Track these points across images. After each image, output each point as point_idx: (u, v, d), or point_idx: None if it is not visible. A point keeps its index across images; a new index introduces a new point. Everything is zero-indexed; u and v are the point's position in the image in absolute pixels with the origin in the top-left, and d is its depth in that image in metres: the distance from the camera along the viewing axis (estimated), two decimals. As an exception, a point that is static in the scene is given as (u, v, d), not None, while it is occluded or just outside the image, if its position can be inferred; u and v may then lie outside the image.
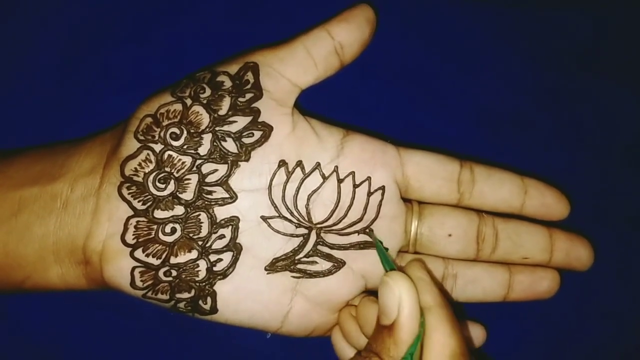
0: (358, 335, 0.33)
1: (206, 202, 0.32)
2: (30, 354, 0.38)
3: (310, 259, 0.33)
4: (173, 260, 0.32)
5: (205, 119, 0.32)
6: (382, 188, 0.34)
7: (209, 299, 0.32)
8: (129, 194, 0.32)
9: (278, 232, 0.33)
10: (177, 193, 0.32)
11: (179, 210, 0.32)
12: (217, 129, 0.32)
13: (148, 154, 0.32)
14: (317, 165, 0.33)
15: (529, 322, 0.39)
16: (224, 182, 0.32)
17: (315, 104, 0.35)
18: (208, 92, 0.33)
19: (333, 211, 0.33)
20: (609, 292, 0.40)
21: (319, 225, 0.33)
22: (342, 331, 0.34)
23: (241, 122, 0.33)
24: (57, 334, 0.38)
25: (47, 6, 0.39)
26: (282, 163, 0.33)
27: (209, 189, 0.32)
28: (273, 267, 0.33)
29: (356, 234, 0.34)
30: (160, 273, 0.32)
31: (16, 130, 0.39)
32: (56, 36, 0.39)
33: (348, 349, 0.34)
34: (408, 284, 0.28)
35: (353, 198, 0.33)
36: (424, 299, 0.28)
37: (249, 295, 0.33)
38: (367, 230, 0.34)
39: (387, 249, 0.33)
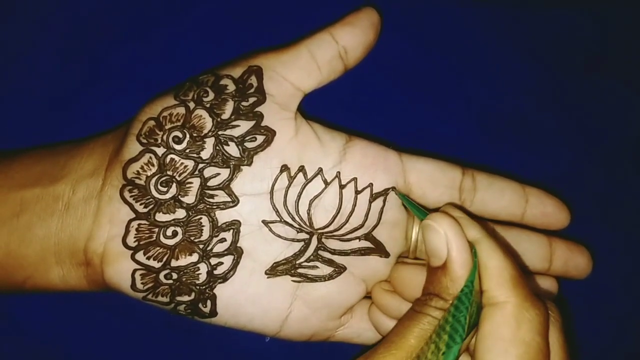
0: (399, 305, 0.33)
1: (208, 206, 0.32)
2: (31, 354, 0.38)
3: (311, 263, 0.33)
4: (174, 263, 0.32)
5: (208, 122, 0.32)
6: (385, 195, 0.34)
7: (209, 302, 0.33)
8: (130, 196, 0.32)
9: (279, 236, 0.33)
10: (179, 196, 0.32)
11: (181, 213, 0.32)
12: (219, 133, 0.32)
13: (150, 157, 0.32)
14: (320, 171, 0.33)
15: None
16: (225, 186, 0.32)
17: (316, 106, 0.35)
18: (211, 95, 0.33)
19: (335, 217, 0.33)
20: (609, 294, 0.40)
21: (320, 231, 0.33)
22: (380, 307, 0.34)
23: (244, 126, 0.33)
24: (57, 334, 0.38)
25: (47, 6, 0.39)
26: (284, 168, 0.33)
27: (211, 192, 0.32)
28: (273, 271, 0.33)
29: (357, 240, 0.34)
30: (161, 276, 0.32)
31: (16, 130, 0.38)
32: (56, 36, 0.39)
33: (391, 322, 0.34)
34: (451, 221, 0.28)
35: (355, 204, 0.34)
36: (470, 234, 0.29)
37: (249, 299, 0.33)
38: (391, 189, 0.34)
39: (417, 205, 0.34)
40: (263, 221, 0.33)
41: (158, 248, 0.32)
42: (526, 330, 0.26)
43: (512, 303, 0.27)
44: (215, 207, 0.32)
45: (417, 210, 0.32)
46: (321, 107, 0.36)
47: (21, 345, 0.38)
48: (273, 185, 0.33)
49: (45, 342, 0.38)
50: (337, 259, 0.34)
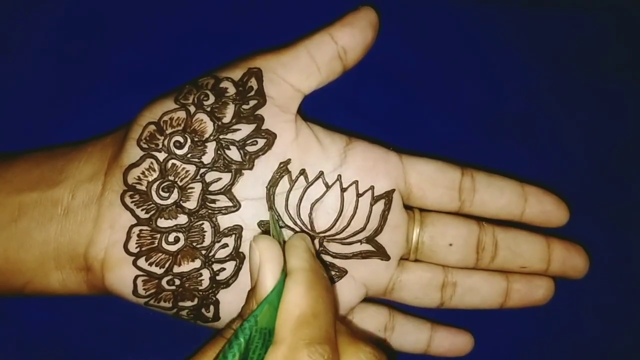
0: None
1: (209, 211, 0.32)
2: (31, 354, 0.38)
3: (313, 268, 0.33)
4: (176, 269, 0.32)
5: (209, 127, 0.32)
6: (388, 199, 0.34)
7: (211, 308, 0.33)
8: (132, 202, 0.32)
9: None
10: (181, 202, 0.32)
11: (183, 219, 0.32)
12: (221, 137, 0.32)
13: (152, 163, 0.32)
14: (321, 174, 0.33)
15: (526, 322, 0.40)
16: (227, 191, 0.32)
17: (315, 106, 0.35)
18: (212, 99, 0.32)
19: (336, 220, 0.33)
20: (607, 293, 0.40)
21: (321, 234, 0.33)
22: None
23: (245, 129, 0.32)
24: (57, 334, 0.38)
25: (46, 6, 0.38)
26: (283, 165, 0.33)
27: (213, 197, 0.32)
28: (275, 275, 0.33)
29: (359, 243, 0.34)
30: (164, 282, 0.32)
31: (15, 132, 0.38)
32: (56, 36, 0.38)
33: None
34: (270, 245, 0.28)
35: (356, 207, 0.34)
36: (290, 263, 0.28)
37: (251, 304, 0.33)
38: (269, 203, 0.33)
39: (280, 222, 0.33)
40: (260, 222, 0.33)
41: (160, 254, 0.32)
42: None
43: (286, 344, 0.25)
44: (217, 212, 0.32)
45: (275, 232, 0.31)
46: (320, 108, 0.35)
47: (21, 345, 0.38)
48: (274, 189, 0.33)
49: (45, 342, 0.38)
50: (338, 262, 0.34)
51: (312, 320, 0.26)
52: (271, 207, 0.33)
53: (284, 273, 0.28)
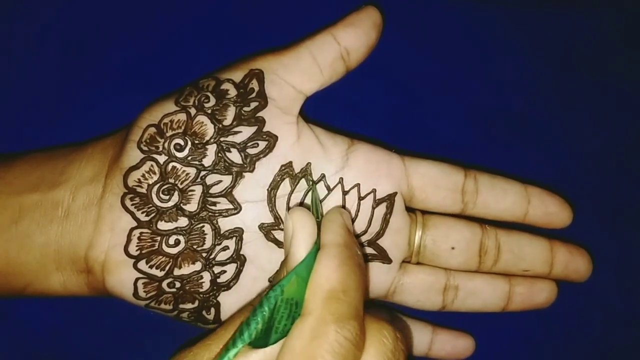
0: None
1: (210, 214, 0.32)
2: (31, 354, 0.38)
3: (314, 270, 0.33)
4: (177, 272, 0.32)
5: (209, 129, 0.32)
6: (390, 202, 0.34)
7: (212, 310, 0.33)
8: (132, 205, 0.31)
9: (282, 243, 0.33)
10: (181, 204, 0.32)
11: (183, 221, 0.32)
12: (221, 139, 0.32)
13: (152, 165, 0.31)
14: (322, 177, 0.33)
15: (528, 322, 0.40)
16: (228, 193, 0.32)
17: (317, 107, 0.35)
18: (212, 101, 0.32)
19: (337, 223, 0.33)
20: (609, 294, 0.40)
21: (323, 237, 0.33)
22: None
23: (246, 132, 0.32)
24: (57, 334, 0.38)
25: (46, 6, 0.38)
26: (284, 167, 0.32)
27: (213, 200, 0.32)
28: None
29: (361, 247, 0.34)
30: (164, 284, 0.32)
31: (15, 132, 0.38)
32: (56, 37, 0.38)
33: None
34: (304, 217, 0.28)
35: (358, 210, 0.33)
36: (324, 237, 0.28)
37: (252, 306, 0.33)
38: (306, 171, 0.33)
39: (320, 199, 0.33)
40: (261, 225, 0.33)
41: (160, 257, 0.32)
42: (318, 345, 0.24)
43: (315, 316, 0.25)
44: (217, 214, 0.32)
45: (315, 208, 0.31)
46: (322, 109, 0.35)
47: (21, 346, 0.38)
48: (275, 191, 0.33)
49: (45, 342, 0.38)
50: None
51: (342, 296, 0.26)
52: (312, 180, 0.33)
53: (317, 246, 0.27)
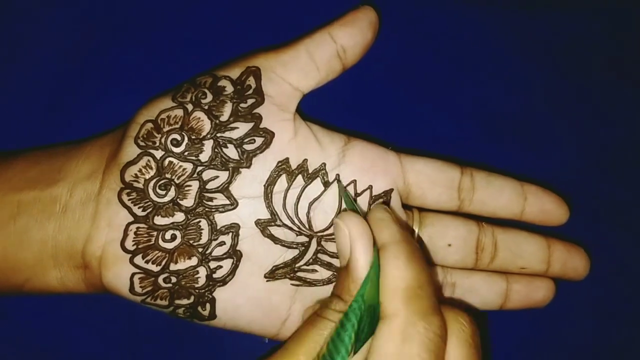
0: None
1: (207, 209, 0.32)
2: (31, 354, 0.38)
3: (310, 267, 0.33)
4: (173, 267, 0.32)
5: (206, 125, 0.32)
6: (387, 199, 0.34)
7: (208, 306, 0.33)
8: (129, 200, 0.32)
9: (278, 239, 0.33)
10: (178, 200, 0.32)
11: (179, 217, 0.32)
12: (218, 135, 0.32)
13: (149, 160, 0.32)
14: (323, 167, 0.33)
15: (526, 323, 0.40)
16: (224, 189, 0.32)
17: (314, 106, 0.35)
18: (209, 97, 0.32)
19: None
20: (606, 293, 0.40)
21: (319, 234, 0.33)
22: None
23: (243, 128, 0.32)
24: (57, 334, 0.38)
25: (46, 6, 0.38)
26: (281, 164, 0.33)
27: (210, 195, 0.32)
28: (272, 274, 0.33)
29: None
30: (160, 279, 0.32)
31: (15, 130, 0.38)
32: (56, 36, 0.38)
33: None
34: (358, 221, 0.28)
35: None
36: (381, 237, 0.28)
37: (248, 302, 0.33)
38: (336, 179, 0.33)
39: (354, 199, 0.33)
40: (257, 221, 0.33)
41: (157, 252, 0.32)
42: (411, 345, 0.25)
43: (401, 317, 0.25)
44: (214, 210, 0.32)
45: (351, 208, 0.32)
46: (318, 107, 0.35)
47: (21, 345, 0.38)
48: (272, 187, 0.33)
49: (45, 341, 0.38)
50: (336, 262, 0.34)
51: (419, 292, 0.26)
52: (341, 184, 0.33)
53: (375, 247, 0.27)
